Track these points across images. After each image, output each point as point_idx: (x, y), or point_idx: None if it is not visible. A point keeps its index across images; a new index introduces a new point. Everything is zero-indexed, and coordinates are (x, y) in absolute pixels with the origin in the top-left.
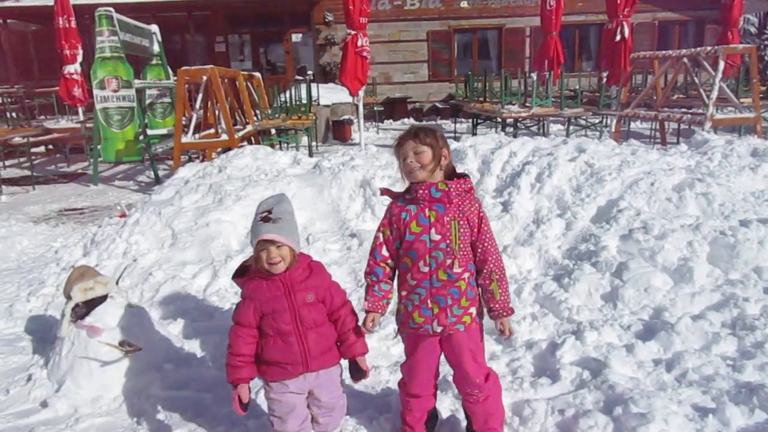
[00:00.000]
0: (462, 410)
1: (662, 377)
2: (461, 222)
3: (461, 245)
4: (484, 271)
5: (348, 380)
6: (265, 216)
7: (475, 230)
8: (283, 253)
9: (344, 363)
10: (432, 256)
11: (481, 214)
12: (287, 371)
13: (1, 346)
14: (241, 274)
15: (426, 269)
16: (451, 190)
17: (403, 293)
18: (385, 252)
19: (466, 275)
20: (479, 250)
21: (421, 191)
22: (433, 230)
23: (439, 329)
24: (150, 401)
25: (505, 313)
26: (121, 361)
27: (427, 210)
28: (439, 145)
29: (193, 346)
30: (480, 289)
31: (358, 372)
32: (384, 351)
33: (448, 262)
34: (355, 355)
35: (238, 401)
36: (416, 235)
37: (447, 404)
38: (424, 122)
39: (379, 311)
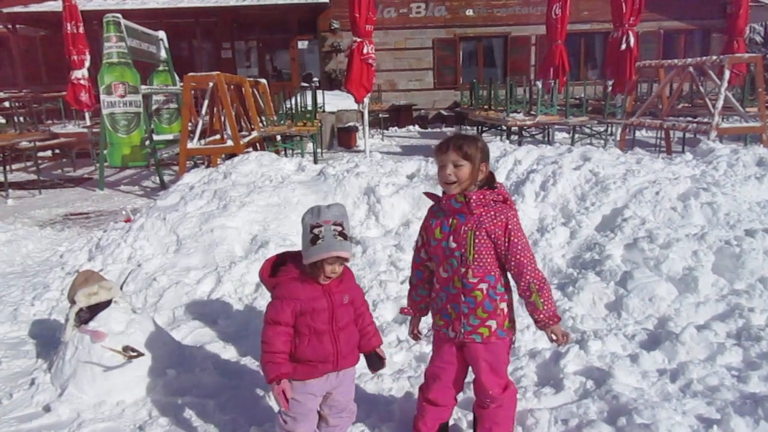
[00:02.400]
0: (466, 420)
1: (667, 388)
2: (478, 232)
3: (476, 255)
4: (522, 283)
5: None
6: (342, 232)
7: (501, 242)
8: (341, 269)
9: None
10: (448, 263)
11: (510, 227)
12: (316, 370)
13: (5, 349)
14: (272, 274)
15: (445, 275)
16: (471, 201)
17: (433, 295)
18: (423, 255)
19: (482, 286)
20: (513, 263)
21: (444, 203)
22: (451, 238)
23: (452, 335)
24: (152, 407)
25: (551, 322)
26: (124, 367)
27: (450, 219)
28: (479, 159)
29: (196, 352)
30: (523, 301)
31: (378, 362)
32: (387, 359)
33: (462, 270)
34: (374, 346)
35: (283, 396)
36: (438, 242)
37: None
38: (469, 132)
39: (417, 315)
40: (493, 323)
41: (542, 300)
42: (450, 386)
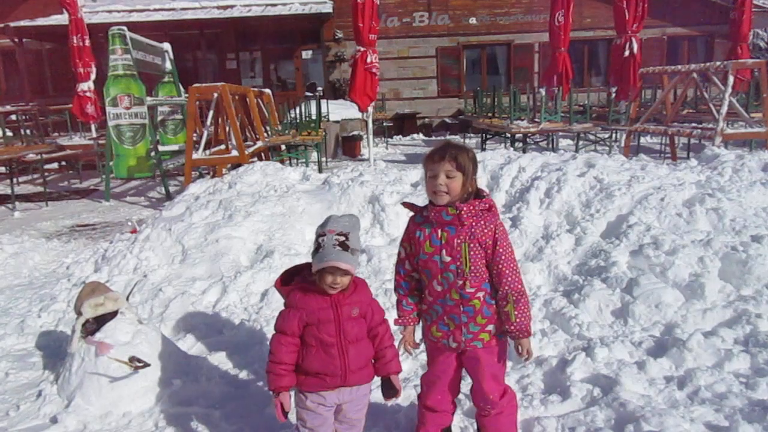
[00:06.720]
0: (472, 429)
1: (674, 395)
2: (472, 244)
3: (472, 267)
4: (500, 292)
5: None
6: (344, 243)
7: (489, 251)
8: (345, 280)
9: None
10: (444, 277)
11: (497, 235)
12: (325, 383)
13: (12, 361)
14: (287, 282)
15: (440, 288)
16: (462, 213)
17: (424, 307)
18: (408, 266)
19: (480, 294)
20: (494, 272)
21: (433, 214)
22: (443, 251)
23: (453, 345)
24: (159, 417)
25: (521, 335)
26: (130, 377)
27: (439, 231)
28: (472, 172)
29: (202, 362)
30: (498, 308)
31: (391, 390)
32: None
33: (459, 282)
34: (390, 372)
35: (280, 408)
36: (429, 255)
37: (456, 421)
38: (458, 139)
39: (411, 324)
40: (492, 327)
41: (516, 312)
42: (447, 392)
